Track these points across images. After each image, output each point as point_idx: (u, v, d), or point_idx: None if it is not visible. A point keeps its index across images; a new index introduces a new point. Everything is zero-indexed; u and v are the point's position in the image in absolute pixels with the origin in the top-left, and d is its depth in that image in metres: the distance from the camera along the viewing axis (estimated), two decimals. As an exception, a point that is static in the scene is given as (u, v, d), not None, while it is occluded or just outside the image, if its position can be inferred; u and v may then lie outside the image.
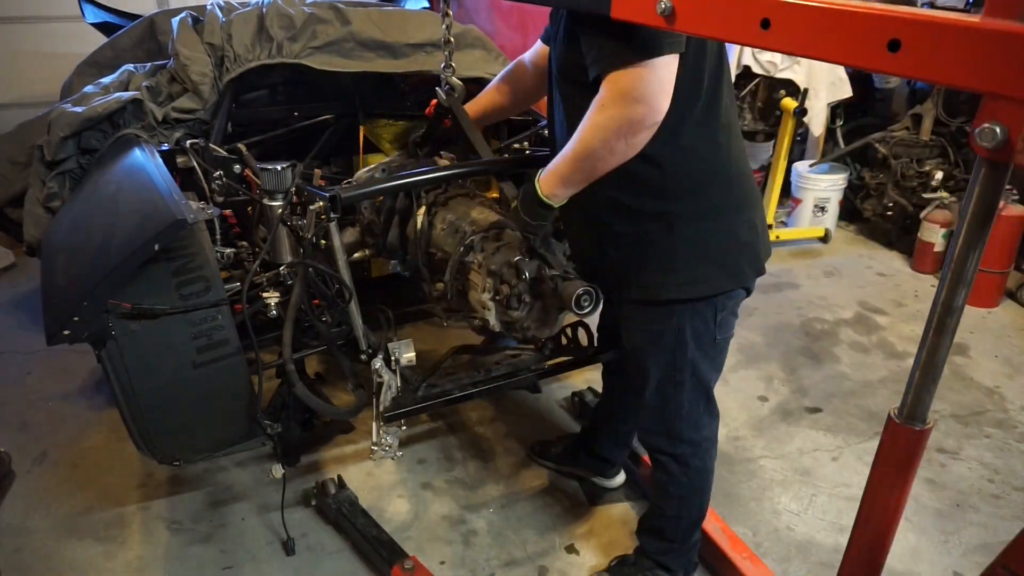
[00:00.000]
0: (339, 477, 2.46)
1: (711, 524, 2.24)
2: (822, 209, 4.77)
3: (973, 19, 0.88)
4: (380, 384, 2.07)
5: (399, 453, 2.15)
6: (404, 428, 2.15)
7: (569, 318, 2.14)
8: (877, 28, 0.95)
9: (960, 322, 1.17)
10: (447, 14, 2.22)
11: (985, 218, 1.03)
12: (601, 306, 1.90)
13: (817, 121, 4.46)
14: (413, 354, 2.07)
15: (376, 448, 2.10)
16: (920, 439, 1.26)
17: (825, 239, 4.74)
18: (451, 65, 2.32)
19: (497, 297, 2.03)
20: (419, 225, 2.31)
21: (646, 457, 2.50)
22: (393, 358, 2.08)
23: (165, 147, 2.45)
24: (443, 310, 2.31)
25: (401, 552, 2.18)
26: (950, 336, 1.16)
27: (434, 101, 2.36)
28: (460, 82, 2.33)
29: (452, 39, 2.27)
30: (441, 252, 2.24)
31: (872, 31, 0.96)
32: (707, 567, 2.24)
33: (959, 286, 1.11)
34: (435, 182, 2.30)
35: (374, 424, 2.09)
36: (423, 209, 2.32)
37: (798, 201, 4.83)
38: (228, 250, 2.35)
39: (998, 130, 0.89)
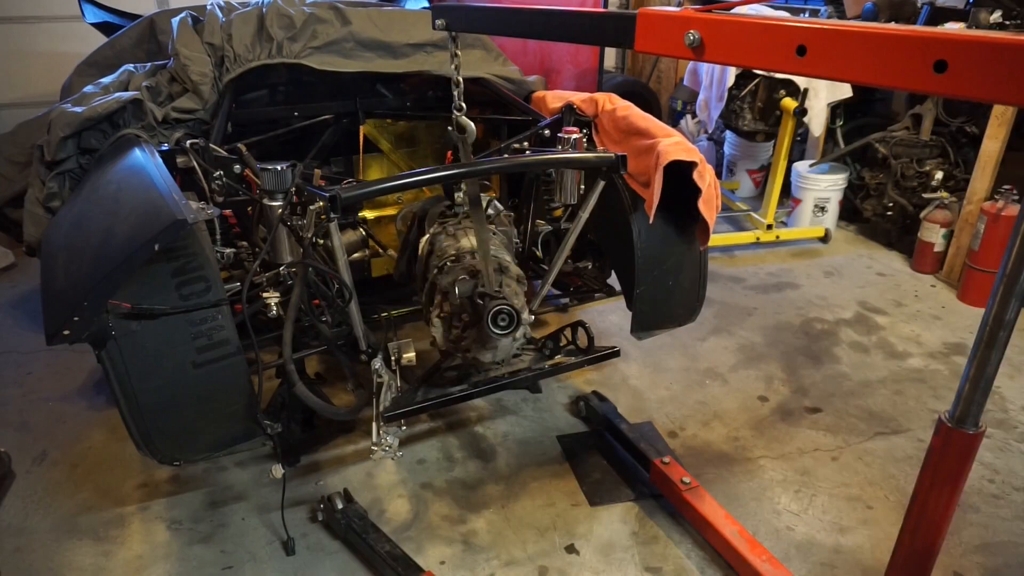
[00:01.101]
0: (345, 491, 2.42)
1: (728, 528, 2.22)
2: (822, 209, 4.77)
3: (1021, 37, 0.87)
4: (380, 384, 2.07)
5: (399, 453, 2.15)
6: (404, 428, 2.15)
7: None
8: (922, 50, 0.94)
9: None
10: (456, 55, 2.20)
11: None
12: (521, 329, 1.88)
13: (817, 121, 4.46)
14: (413, 354, 2.08)
15: (376, 448, 2.11)
16: (972, 443, 1.26)
17: (825, 239, 4.74)
18: (462, 105, 2.30)
19: (441, 314, 2.06)
20: (420, 252, 2.34)
21: (657, 461, 2.49)
22: (393, 358, 2.08)
23: (165, 147, 2.45)
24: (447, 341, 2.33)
25: (416, 567, 2.14)
26: (1001, 350, 1.14)
27: (449, 152, 2.38)
28: (471, 123, 2.32)
29: (461, 80, 2.25)
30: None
31: (917, 53, 0.95)
32: (729, 571, 2.23)
33: (1010, 299, 1.10)
34: (436, 182, 2.31)
35: (374, 424, 2.09)
36: (426, 237, 2.34)
37: (798, 201, 4.83)
38: (228, 250, 2.35)
39: None
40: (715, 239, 4.41)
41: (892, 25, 1.05)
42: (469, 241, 2.31)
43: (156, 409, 1.92)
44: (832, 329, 3.68)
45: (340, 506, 2.34)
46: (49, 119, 2.53)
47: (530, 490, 2.58)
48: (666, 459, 2.49)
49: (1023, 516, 2.46)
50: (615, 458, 2.70)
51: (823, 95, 4.42)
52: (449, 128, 2.34)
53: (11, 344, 3.50)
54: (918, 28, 0.97)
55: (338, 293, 2.08)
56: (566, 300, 3.35)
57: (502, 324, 1.92)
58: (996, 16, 3.97)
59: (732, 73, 4.45)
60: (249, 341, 1.97)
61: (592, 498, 2.53)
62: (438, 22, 2.08)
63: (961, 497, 2.50)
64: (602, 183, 2.21)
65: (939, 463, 1.30)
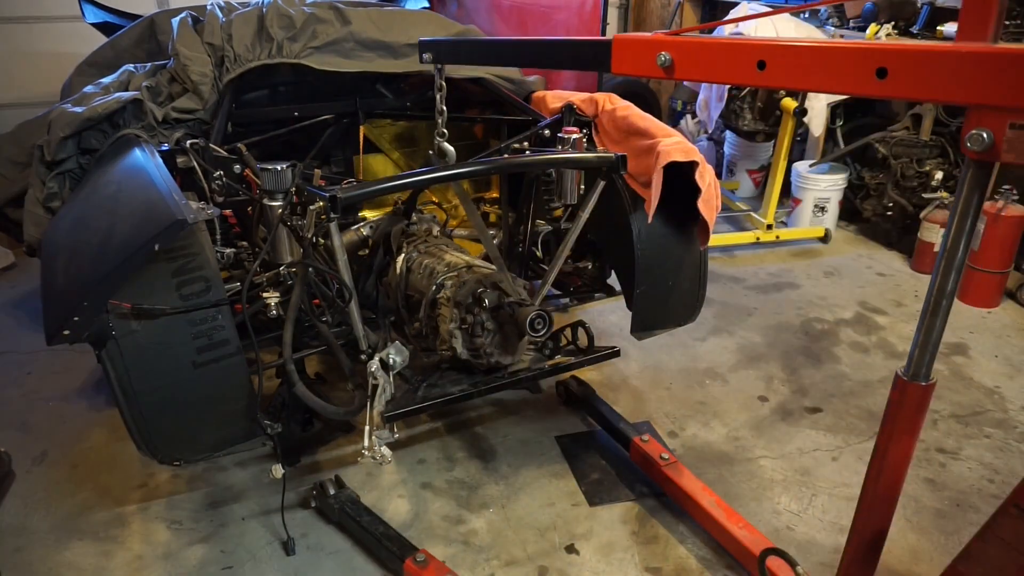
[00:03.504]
0: (337, 477, 2.45)
1: (707, 499, 2.30)
2: (822, 209, 4.77)
3: (948, 44, 1.02)
4: (375, 386, 2.07)
5: (389, 461, 2.14)
6: (397, 436, 2.15)
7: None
8: (865, 59, 1.09)
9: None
10: (441, 87, 2.25)
11: (973, 212, 1.17)
12: (553, 328, 2.07)
13: (817, 121, 4.46)
14: (403, 357, 2.08)
15: (367, 453, 2.10)
16: (926, 394, 1.42)
17: (825, 239, 4.74)
18: (445, 132, 2.36)
19: (463, 326, 2.18)
20: (398, 270, 2.40)
21: (636, 439, 2.55)
22: (389, 361, 2.08)
23: (165, 147, 2.45)
24: (421, 349, 2.43)
25: (411, 546, 2.17)
26: (943, 317, 1.31)
27: None
28: (452, 149, 2.38)
29: (445, 108, 2.31)
30: (417, 294, 2.39)
31: (860, 62, 1.10)
32: (729, 570, 2.24)
33: (951, 272, 1.25)
34: (436, 182, 2.31)
35: (367, 428, 2.09)
36: (402, 256, 2.41)
37: (798, 201, 4.83)
38: (228, 250, 2.35)
39: (985, 135, 1.03)
40: (715, 239, 4.41)
41: (838, 39, 1.23)
42: (454, 257, 2.40)
43: (156, 409, 1.92)
44: (832, 329, 3.68)
45: (332, 492, 2.38)
46: (49, 119, 2.54)
47: (530, 490, 2.58)
48: (645, 437, 2.57)
49: (1023, 516, 2.46)
50: (614, 458, 2.71)
51: (823, 95, 4.42)
52: (430, 152, 2.41)
53: (11, 344, 3.50)
54: (861, 42, 1.15)
55: (338, 293, 2.08)
56: (566, 300, 3.36)
57: (539, 327, 2.05)
58: (996, 16, 3.97)
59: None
60: (249, 341, 1.97)
61: (592, 498, 2.53)
62: (425, 56, 2.12)
63: (961, 497, 2.51)
64: (602, 183, 2.22)
65: (897, 413, 1.46)
